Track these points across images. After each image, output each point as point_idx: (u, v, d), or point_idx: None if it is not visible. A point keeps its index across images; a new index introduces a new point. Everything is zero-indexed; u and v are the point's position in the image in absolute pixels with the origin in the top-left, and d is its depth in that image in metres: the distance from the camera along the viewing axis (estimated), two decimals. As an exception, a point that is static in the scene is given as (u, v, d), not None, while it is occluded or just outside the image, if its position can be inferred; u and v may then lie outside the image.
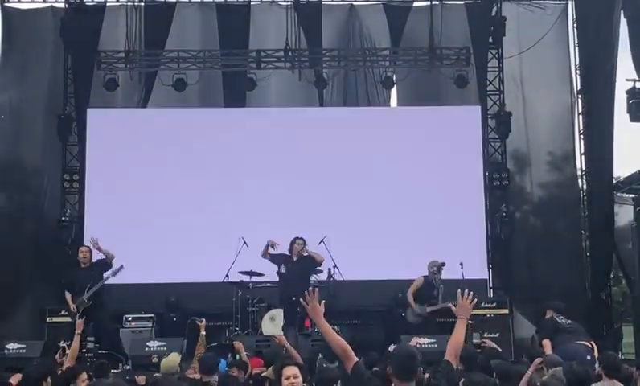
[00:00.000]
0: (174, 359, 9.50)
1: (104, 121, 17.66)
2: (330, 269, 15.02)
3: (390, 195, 17.32)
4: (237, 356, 11.57)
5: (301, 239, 14.19)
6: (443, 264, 14.41)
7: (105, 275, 13.50)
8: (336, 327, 10.18)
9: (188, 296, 16.17)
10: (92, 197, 17.22)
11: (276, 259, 14.34)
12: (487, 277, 17.34)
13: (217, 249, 16.40)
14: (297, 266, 14.08)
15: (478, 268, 16.73)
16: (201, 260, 16.68)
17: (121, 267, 13.41)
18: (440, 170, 17.38)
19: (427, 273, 14.56)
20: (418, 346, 12.51)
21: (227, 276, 14.88)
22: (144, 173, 17.26)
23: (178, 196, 17.24)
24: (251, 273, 14.92)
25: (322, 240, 15.02)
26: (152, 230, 17.02)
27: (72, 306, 13.50)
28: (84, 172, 17.35)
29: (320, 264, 14.31)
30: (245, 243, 15.30)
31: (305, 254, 14.07)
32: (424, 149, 17.48)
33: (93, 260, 13.82)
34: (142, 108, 18.12)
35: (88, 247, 13.73)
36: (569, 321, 11.49)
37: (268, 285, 14.80)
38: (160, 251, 16.77)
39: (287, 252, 14.27)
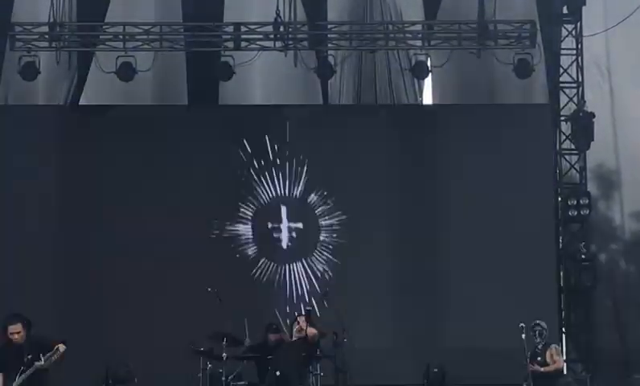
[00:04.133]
0: None
1: (21, 121, 16.84)
2: (336, 334, 13.63)
3: (418, 227, 16.80)
4: None
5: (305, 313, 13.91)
6: (536, 324, 13.91)
7: (43, 359, 11.84)
8: None
9: (140, 367, 15.25)
10: (4, 223, 16.50)
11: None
12: (560, 345, 15.75)
13: (178, 304, 16.06)
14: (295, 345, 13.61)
15: (547, 332, 14.65)
16: (157, 320, 16.13)
17: (57, 349, 11.99)
18: (492, 193, 16.68)
19: None
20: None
21: (191, 343, 13.94)
22: (75, 194, 16.63)
23: (124, 226, 16.55)
24: (225, 338, 13.75)
25: (324, 293, 14.81)
26: (87, 274, 16.39)
27: None
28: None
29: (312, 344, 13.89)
30: (218, 297, 14.18)
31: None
32: (471, 163, 16.78)
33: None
34: (73, 104, 17.20)
35: (21, 323, 12.28)
36: None
37: (249, 355, 13.90)
38: (99, 305, 16.23)
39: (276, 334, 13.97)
